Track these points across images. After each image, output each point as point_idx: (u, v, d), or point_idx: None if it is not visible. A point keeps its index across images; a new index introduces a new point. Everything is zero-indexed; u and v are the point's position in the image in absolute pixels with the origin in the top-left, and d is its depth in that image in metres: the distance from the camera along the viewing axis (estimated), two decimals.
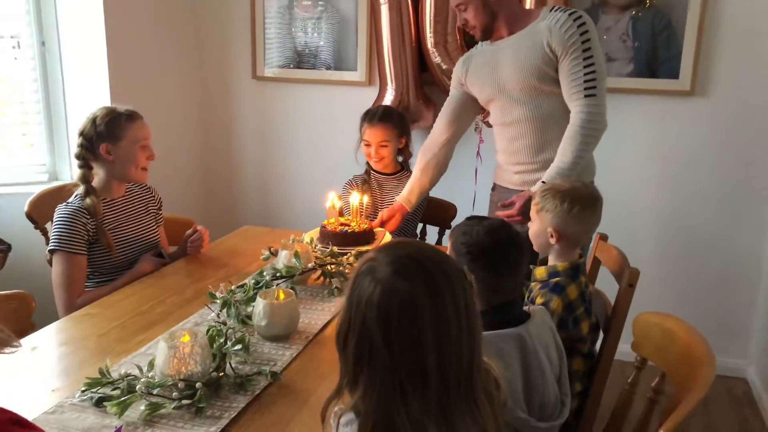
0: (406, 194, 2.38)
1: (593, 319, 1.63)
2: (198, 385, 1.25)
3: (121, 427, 1.15)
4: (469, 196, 2.85)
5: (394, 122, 2.50)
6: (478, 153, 2.90)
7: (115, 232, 2.01)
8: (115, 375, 1.30)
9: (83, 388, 1.28)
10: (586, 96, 1.97)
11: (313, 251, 2.03)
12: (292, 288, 1.75)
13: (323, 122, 3.23)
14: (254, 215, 3.37)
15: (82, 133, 1.97)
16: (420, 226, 2.69)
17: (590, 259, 1.94)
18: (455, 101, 2.34)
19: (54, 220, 1.94)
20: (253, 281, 1.81)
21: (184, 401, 1.24)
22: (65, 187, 2.12)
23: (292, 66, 3.19)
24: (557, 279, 1.59)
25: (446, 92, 2.43)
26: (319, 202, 2.46)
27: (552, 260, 1.67)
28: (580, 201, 1.62)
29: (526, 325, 1.32)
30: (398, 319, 0.88)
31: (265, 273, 1.89)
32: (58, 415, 1.22)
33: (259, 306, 1.54)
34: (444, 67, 2.81)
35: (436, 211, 2.65)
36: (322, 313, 1.72)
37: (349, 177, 2.64)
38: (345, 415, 0.94)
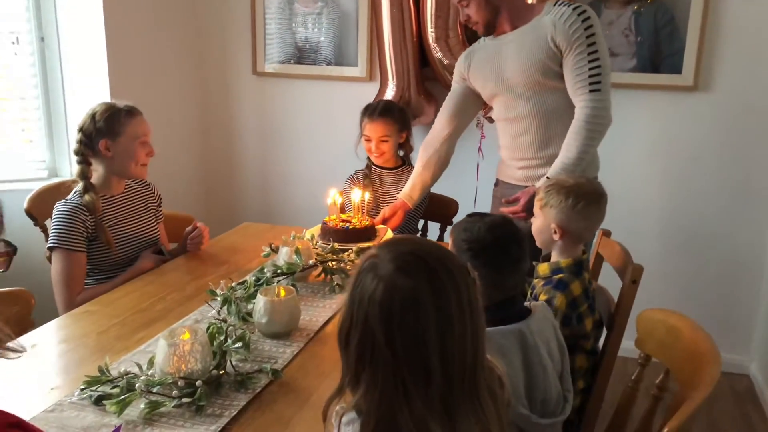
0: (408, 191, 2.36)
1: (597, 315, 1.62)
2: (198, 383, 1.24)
3: (120, 425, 1.15)
4: (470, 193, 2.84)
5: (395, 117, 2.48)
6: (479, 149, 2.89)
7: (115, 229, 2.00)
8: (114, 373, 1.29)
9: (82, 387, 1.27)
10: (590, 91, 1.96)
11: (314, 248, 2.02)
12: (293, 285, 1.74)
13: (324, 118, 3.21)
14: (255, 212, 3.36)
15: (81, 129, 1.96)
16: (421, 222, 2.68)
17: (593, 256, 1.93)
18: (457, 96, 2.32)
19: (53, 217, 1.93)
20: (253, 278, 1.80)
21: (184, 399, 1.23)
22: (65, 184, 2.11)
23: (292, 62, 3.18)
24: (560, 275, 1.58)
25: (448, 88, 2.41)
26: (320, 198, 2.45)
27: (555, 256, 1.66)
28: (584, 197, 1.61)
29: (526, 320, 1.31)
30: (401, 317, 0.87)
31: (265, 270, 1.87)
32: (57, 414, 1.21)
33: (260, 303, 1.53)
34: (445, 62, 2.79)
35: (437, 208, 2.64)
36: (324, 311, 1.71)
37: (350, 172, 2.63)
38: (347, 414, 0.93)
